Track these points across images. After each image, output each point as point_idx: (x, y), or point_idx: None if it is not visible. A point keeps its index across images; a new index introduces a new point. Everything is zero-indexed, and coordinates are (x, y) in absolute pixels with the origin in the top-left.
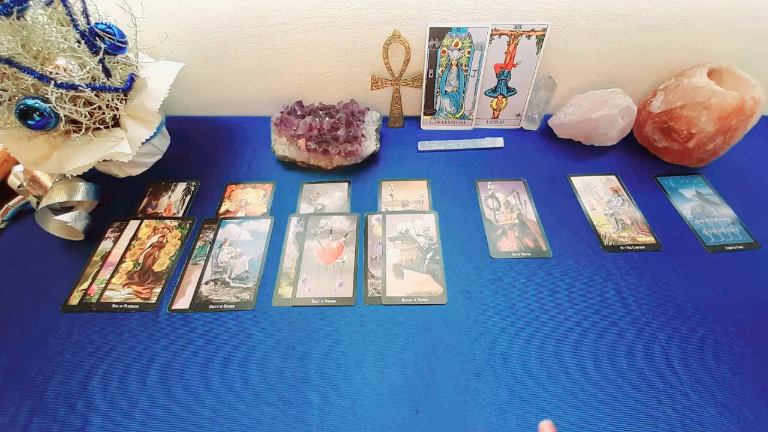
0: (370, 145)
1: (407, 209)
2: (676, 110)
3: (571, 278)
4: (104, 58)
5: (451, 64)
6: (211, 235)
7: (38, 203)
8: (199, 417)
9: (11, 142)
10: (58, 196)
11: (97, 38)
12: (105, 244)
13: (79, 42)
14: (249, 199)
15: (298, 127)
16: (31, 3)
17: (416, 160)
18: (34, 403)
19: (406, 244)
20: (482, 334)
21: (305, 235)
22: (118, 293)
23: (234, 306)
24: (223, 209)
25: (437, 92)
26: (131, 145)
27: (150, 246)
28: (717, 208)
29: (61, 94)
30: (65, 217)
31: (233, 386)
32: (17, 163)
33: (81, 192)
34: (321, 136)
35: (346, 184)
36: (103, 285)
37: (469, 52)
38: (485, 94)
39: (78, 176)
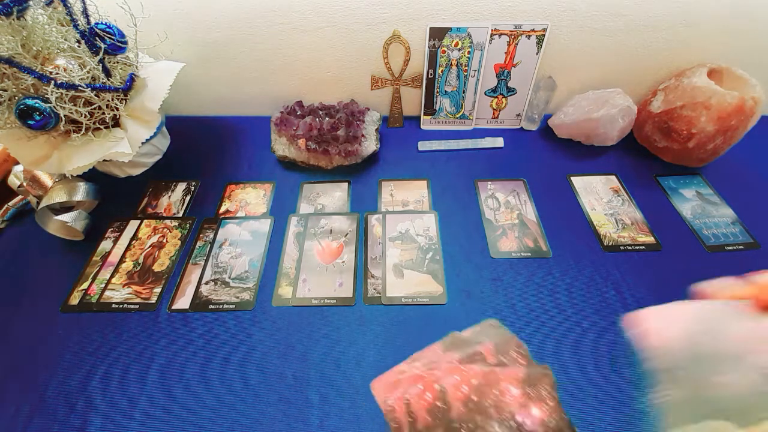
0: (370, 145)
1: (407, 209)
2: (676, 110)
3: (571, 278)
4: (104, 58)
5: (451, 64)
6: (211, 235)
7: (38, 203)
8: (199, 417)
9: (11, 142)
10: (58, 196)
11: (97, 38)
12: (105, 244)
13: (79, 42)
14: (249, 199)
15: (298, 127)
16: (31, 3)
17: (416, 160)
18: (34, 403)
19: (406, 244)
20: None
21: (305, 235)
22: (118, 293)
23: (234, 306)
24: (223, 209)
25: (437, 92)
26: (131, 145)
27: (150, 246)
28: (717, 208)
29: (61, 94)
30: (65, 217)
31: (233, 386)
32: (17, 163)
33: (81, 192)
34: (321, 136)
35: (346, 184)
36: (103, 285)
37: (469, 52)
38: (485, 94)
39: (78, 176)
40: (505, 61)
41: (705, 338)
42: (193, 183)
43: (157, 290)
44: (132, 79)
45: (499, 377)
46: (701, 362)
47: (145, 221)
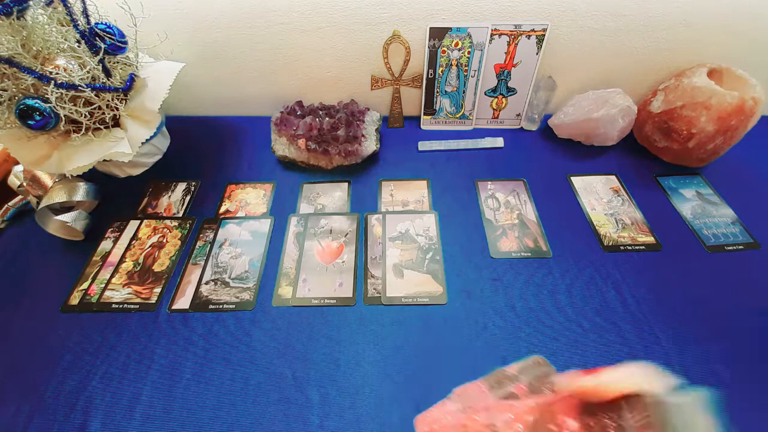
0: (370, 145)
1: (407, 209)
2: (676, 110)
3: (571, 278)
4: (104, 58)
5: (451, 64)
6: (211, 235)
7: (38, 203)
8: (199, 417)
9: (11, 142)
10: (58, 196)
11: (97, 38)
12: (105, 244)
13: (79, 42)
14: (249, 199)
15: (298, 127)
16: (31, 3)
17: (416, 160)
18: (34, 403)
19: (406, 244)
20: (482, 334)
21: (305, 235)
22: (118, 293)
23: (234, 306)
24: (223, 209)
25: (437, 92)
26: (131, 145)
27: (150, 246)
28: (717, 208)
29: (61, 94)
30: (65, 217)
31: (233, 386)
32: (17, 163)
33: (81, 192)
34: (321, 136)
35: (346, 184)
36: (103, 285)
37: (469, 52)
38: (485, 94)
39: (78, 176)
40: (505, 61)
41: None
42: (193, 183)
43: (157, 290)
44: (132, 79)
45: (555, 410)
46: None
47: (145, 221)
